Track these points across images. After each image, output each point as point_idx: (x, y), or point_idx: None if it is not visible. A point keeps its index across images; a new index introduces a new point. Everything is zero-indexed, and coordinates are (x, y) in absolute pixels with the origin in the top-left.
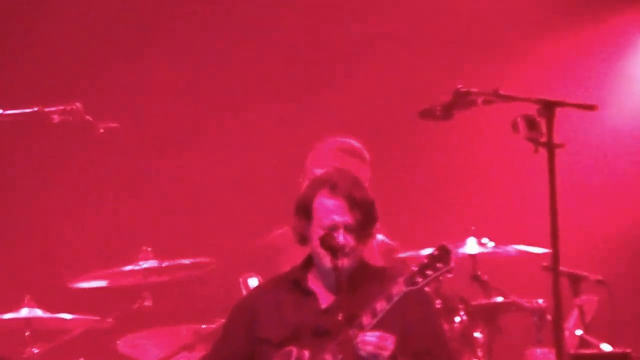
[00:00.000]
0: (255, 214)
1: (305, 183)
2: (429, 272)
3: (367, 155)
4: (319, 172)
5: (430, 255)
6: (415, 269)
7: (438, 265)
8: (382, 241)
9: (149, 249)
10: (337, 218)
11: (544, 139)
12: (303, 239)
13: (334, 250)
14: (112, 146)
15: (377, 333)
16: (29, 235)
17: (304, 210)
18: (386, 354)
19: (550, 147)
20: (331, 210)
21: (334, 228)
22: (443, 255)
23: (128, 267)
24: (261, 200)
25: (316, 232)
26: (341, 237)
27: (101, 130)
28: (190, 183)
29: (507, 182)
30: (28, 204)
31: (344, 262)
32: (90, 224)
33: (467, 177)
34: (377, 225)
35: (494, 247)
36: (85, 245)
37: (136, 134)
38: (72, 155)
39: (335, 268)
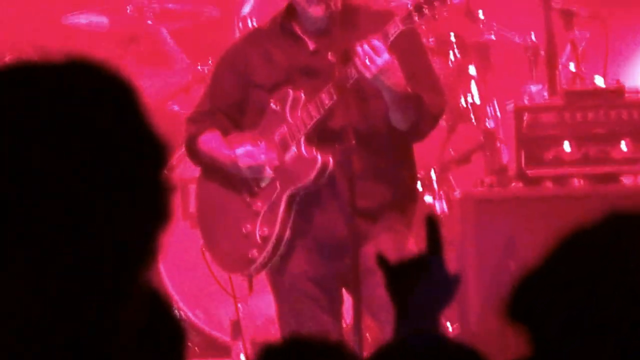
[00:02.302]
0: None
1: None
2: (425, 10)
3: None
4: None
5: None
6: (410, 7)
7: (434, 2)
8: None
9: None
10: None
11: None
12: None
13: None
14: None
15: (374, 42)
16: None
17: None
18: (374, 69)
19: None
20: None
21: None
22: None
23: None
24: None
25: None
26: None
27: None
28: None
29: None
30: None
31: (323, 9)
32: None
33: None
34: None
35: None
36: None
37: None
38: None
39: (318, 15)
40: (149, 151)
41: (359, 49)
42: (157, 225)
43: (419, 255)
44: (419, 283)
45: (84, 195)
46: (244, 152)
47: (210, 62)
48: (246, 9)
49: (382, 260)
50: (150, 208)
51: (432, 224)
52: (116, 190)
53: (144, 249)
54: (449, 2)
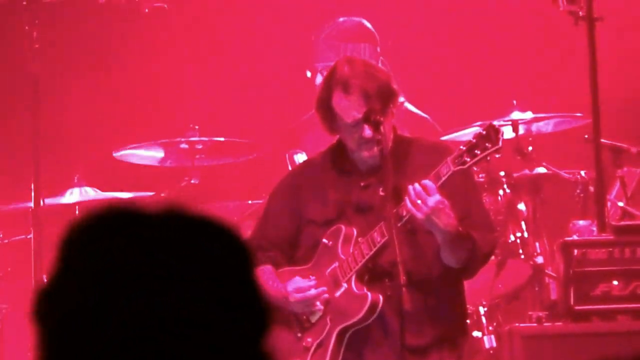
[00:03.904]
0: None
1: (314, 76)
2: (477, 152)
3: (372, 32)
4: (321, 66)
5: (479, 134)
6: (463, 148)
7: (487, 144)
8: (411, 112)
9: (196, 127)
10: (357, 114)
11: (583, 12)
12: (333, 131)
13: (362, 144)
14: (158, 25)
15: (426, 183)
16: (78, 111)
17: (325, 109)
18: (425, 209)
19: (590, 20)
20: (349, 108)
21: (356, 123)
22: (492, 134)
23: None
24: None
25: (342, 128)
26: (366, 131)
27: (146, 10)
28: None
29: (548, 56)
30: (76, 83)
31: (376, 151)
32: (138, 102)
33: (509, 52)
34: (400, 98)
35: (536, 120)
36: (132, 121)
37: (182, 14)
38: (118, 33)
39: (369, 157)
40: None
41: (410, 189)
42: None
43: None
44: None
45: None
46: (295, 287)
47: (261, 197)
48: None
49: None
50: None
51: None
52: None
53: None
54: (501, 146)
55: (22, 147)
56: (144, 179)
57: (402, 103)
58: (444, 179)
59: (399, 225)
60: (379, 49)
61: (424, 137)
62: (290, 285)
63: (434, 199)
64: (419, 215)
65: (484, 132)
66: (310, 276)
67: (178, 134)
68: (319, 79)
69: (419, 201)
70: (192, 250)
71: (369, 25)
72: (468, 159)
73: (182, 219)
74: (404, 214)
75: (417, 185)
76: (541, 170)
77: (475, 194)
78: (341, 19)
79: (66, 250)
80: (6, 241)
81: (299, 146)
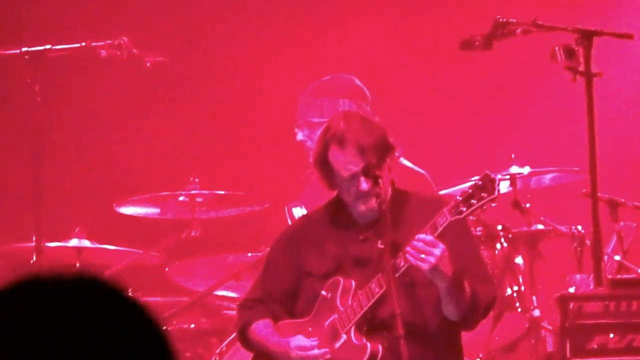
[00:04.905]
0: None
1: (304, 133)
2: (473, 201)
3: (356, 87)
4: (316, 120)
5: (475, 184)
6: (459, 198)
7: (482, 194)
8: (406, 167)
9: (196, 180)
10: (353, 167)
11: (581, 68)
12: (331, 186)
13: (360, 197)
14: (160, 79)
15: (425, 237)
16: (79, 164)
17: (322, 164)
18: (432, 260)
19: (588, 75)
20: (345, 162)
21: (353, 177)
22: (487, 184)
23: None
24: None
25: (340, 182)
26: (363, 185)
27: (148, 64)
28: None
29: (546, 111)
30: (78, 135)
31: (373, 203)
32: (139, 155)
33: (507, 107)
34: (396, 152)
35: (534, 174)
36: (133, 173)
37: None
38: (119, 87)
39: (367, 210)
40: None
41: (414, 242)
42: None
43: None
44: None
45: None
46: (297, 344)
47: (261, 249)
48: (295, 205)
49: None
50: None
51: None
52: None
53: None
54: (496, 195)
55: (23, 199)
56: (144, 231)
57: (398, 158)
58: (440, 229)
59: (397, 275)
60: (366, 105)
61: (422, 191)
62: (293, 342)
63: (440, 249)
64: (425, 266)
65: (480, 182)
66: (310, 328)
67: (178, 187)
68: (300, 136)
69: (422, 255)
70: (95, 317)
71: (356, 81)
72: (464, 209)
73: (87, 286)
74: (402, 264)
75: (421, 239)
76: (539, 225)
77: (473, 246)
78: (326, 77)
79: None
80: None
81: (299, 200)
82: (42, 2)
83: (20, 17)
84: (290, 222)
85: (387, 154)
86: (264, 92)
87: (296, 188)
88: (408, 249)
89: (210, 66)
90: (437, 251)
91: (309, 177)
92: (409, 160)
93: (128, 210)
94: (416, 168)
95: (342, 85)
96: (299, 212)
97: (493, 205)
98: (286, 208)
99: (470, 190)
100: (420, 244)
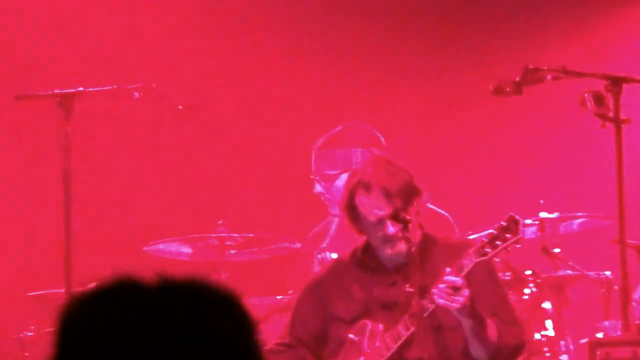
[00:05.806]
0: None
1: (321, 185)
2: (498, 243)
3: (369, 135)
4: (331, 173)
5: (499, 226)
6: (484, 239)
7: (507, 235)
8: (428, 208)
9: (222, 222)
10: (380, 212)
11: (611, 115)
12: (359, 231)
13: (387, 241)
14: (190, 121)
15: (451, 278)
16: (109, 208)
17: (349, 209)
18: (459, 304)
19: (618, 122)
20: (371, 207)
21: (380, 222)
22: (512, 225)
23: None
24: None
25: (367, 226)
26: (390, 229)
27: (180, 107)
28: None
29: (575, 158)
30: (108, 177)
31: (400, 247)
32: (170, 196)
33: (536, 153)
34: (423, 196)
35: (563, 219)
36: (162, 216)
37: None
38: (150, 129)
39: (394, 254)
40: None
41: (441, 285)
42: None
43: None
44: None
45: None
46: None
47: (290, 293)
48: (325, 243)
49: None
50: None
51: None
52: None
53: None
54: (521, 236)
55: (53, 241)
56: (174, 273)
57: (425, 202)
58: (466, 270)
59: (424, 315)
60: (379, 151)
61: (450, 236)
62: None
63: (467, 291)
64: (454, 306)
65: (504, 223)
66: None
67: (208, 230)
68: (317, 188)
69: (450, 295)
70: (190, 321)
71: (369, 128)
72: (489, 250)
73: (179, 289)
74: (429, 306)
75: (445, 282)
76: (567, 271)
77: (500, 289)
78: (338, 128)
79: (64, 325)
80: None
81: (325, 242)
82: (66, 46)
83: (44, 61)
84: (318, 267)
85: (413, 198)
86: (291, 134)
87: (322, 229)
88: (435, 290)
89: (239, 108)
90: (464, 291)
91: (333, 220)
92: (436, 206)
93: (157, 251)
94: (438, 209)
95: (354, 135)
96: (328, 257)
97: (518, 246)
98: (319, 256)
99: (495, 232)
100: (447, 285)
